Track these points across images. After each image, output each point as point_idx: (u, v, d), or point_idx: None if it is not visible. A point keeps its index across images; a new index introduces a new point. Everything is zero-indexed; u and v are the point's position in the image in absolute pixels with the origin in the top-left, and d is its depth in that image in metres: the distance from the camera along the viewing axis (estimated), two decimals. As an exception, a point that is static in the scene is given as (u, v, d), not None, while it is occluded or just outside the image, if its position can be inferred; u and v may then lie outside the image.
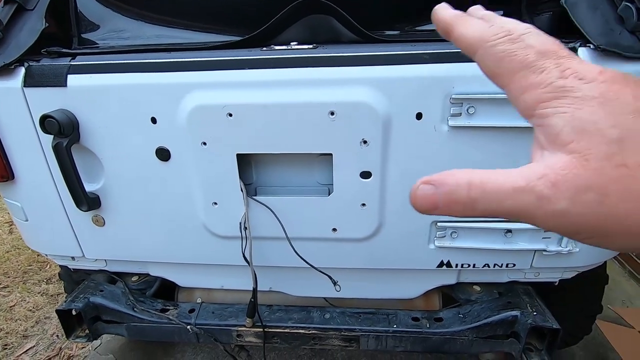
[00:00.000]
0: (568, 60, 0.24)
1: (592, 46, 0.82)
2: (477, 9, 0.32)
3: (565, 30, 0.91)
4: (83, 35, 1.27)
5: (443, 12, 0.31)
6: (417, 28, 1.22)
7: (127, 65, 0.94)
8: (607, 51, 0.80)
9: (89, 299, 1.16)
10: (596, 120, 0.21)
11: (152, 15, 1.25)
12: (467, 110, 0.87)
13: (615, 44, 0.81)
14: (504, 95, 0.76)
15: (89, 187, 1.05)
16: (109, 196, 1.07)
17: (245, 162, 1.03)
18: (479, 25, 0.28)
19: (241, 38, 1.06)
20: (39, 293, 2.36)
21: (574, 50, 0.84)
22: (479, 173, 0.24)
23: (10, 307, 2.26)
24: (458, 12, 0.31)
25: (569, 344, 1.61)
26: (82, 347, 1.93)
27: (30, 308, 2.23)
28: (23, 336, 2.04)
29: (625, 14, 0.83)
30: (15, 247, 2.76)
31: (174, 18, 1.25)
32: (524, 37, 0.26)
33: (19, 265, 2.60)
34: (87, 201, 1.03)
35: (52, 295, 2.34)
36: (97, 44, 1.25)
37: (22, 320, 2.14)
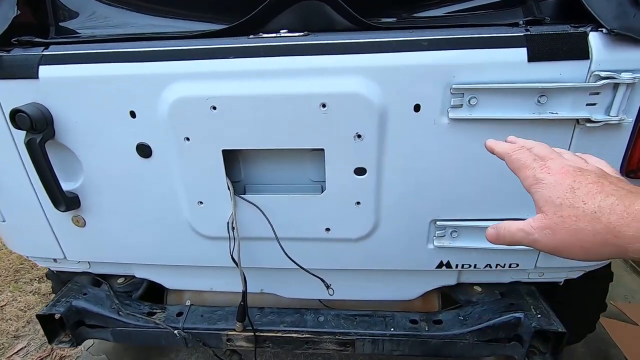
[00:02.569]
0: (549, 161, 0.48)
1: (604, 30, 0.76)
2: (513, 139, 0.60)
3: (574, 15, 0.84)
4: (61, 24, 1.19)
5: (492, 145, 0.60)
6: (415, 15, 1.15)
7: (103, 55, 0.87)
8: (621, 35, 0.74)
9: (72, 303, 1.11)
10: (551, 195, 0.44)
11: (135, 2, 1.18)
12: (469, 101, 0.81)
13: (630, 27, 0.74)
14: (508, 85, 0.79)
15: (66, 186, 0.99)
16: (89, 195, 1.01)
17: (232, 158, 0.97)
18: (507, 144, 0.58)
19: (228, 25, 0.99)
20: (30, 292, 2.32)
21: (585, 34, 0.77)
22: (511, 222, 0.49)
23: (1, 306, 2.21)
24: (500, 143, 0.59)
25: (570, 342, 1.57)
26: (74, 348, 1.89)
27: (22, 307, 2.19)
28: (14, 336, 2.00)
29: (641, -5, 0.76)
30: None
31: (159, 5, 1.18)
32: (531, 149, 0.52)
33: (10, 263, 2.55)
34: (65, 201, 0.97)
35: (44, 294, 2.30)
36: (76, 32, 1.18)
37: (14, 320, 2.09)
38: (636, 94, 0.78)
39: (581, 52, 0.76)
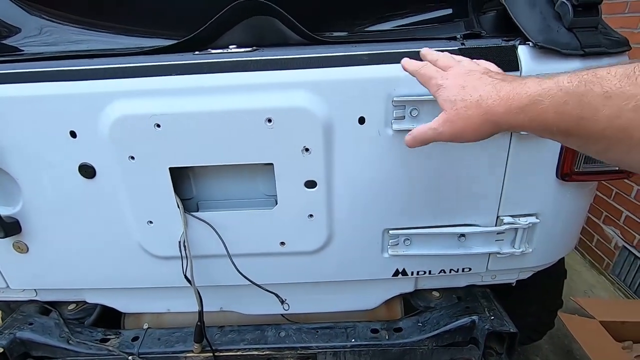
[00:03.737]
0: (449, 70, 0.62)
1: (530, 44, 0.80)
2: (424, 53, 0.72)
3: (508, 29, 0.89)
4: (1, 42, 1.15)
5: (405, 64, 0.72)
6: (367, 29, 1.18)
7: (39, 74, 0.84)
8: (545, 48, 0.78)
9: (15, 335, 1.04)
10: (448, 95, 0.58)
11: (80, 18, 1.15)
12: (411, 112, 0.83)
13: (553, 41, 0.79)
14: None
15: (5, 211, 0.94)
16: (31, 219, 0.96)
17: (182, 175, 0.95)
18: (416, 62, 0.70)
19: (176, 42, 0.98)
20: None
21: (514, 48, 0.82)
22: (422, 125, 0.64)
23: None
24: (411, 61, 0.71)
25: (534, 339, 1.62)
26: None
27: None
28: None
29: (562, 11, 0.81)
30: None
31: (105, 22, 1.16)
32: (436, 61, 0.66)
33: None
34: (3, 227, 0.92)
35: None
36: (17, 49, 1.14)
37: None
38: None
39: (511, 63, 0.81)
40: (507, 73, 0.61)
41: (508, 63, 0.81)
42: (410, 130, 0.83)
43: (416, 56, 0.82)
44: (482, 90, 0.53)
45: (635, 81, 0.38)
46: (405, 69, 0.70)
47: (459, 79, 0.57)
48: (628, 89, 0.38)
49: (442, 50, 0.82)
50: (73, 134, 0.85)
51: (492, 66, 0.65)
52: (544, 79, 0.48)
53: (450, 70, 0.61)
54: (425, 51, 0.70)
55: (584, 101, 0.42)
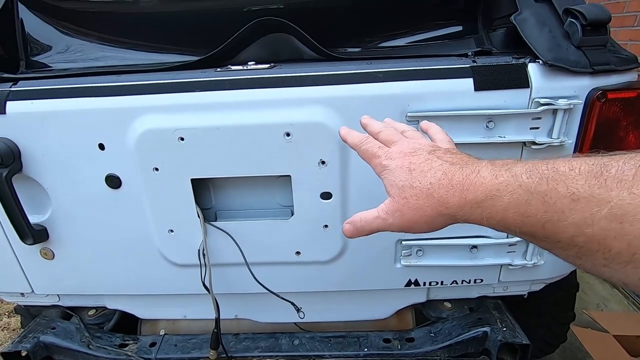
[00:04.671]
0: (392, 146, 0.53)
1: (540, 62, 0.83)
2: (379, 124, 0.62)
3: (517, 45, 0.92)
4: (32, 58, 1.21)
5: (344, 136, 0.62)
6: (378, 45, 1.22)
7: (71, 90, 0.89)
8: (555, 66, 0.81)
9: (39, 339, 1.08)
10: (394, 179, 0.49)
11: (106, 36, 1.21)
12: (424, 127, 0.86)
13: (563, 59, 0.82)
14: (458, 112, 0.85)
15: (34, 219, 0.99)
16: (58, 227, 1.00)
17: (202, 186, 0.99)
18: (357, 136, 0.60)
19: (198, 58, 1.03)
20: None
21: (525, 65, 0.85)
22: (364, 212, 0.52)
23: (-32, 344, 2.11)
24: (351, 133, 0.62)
25: (546, 352, 1.61)
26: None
27: (-10, 345, 2.09)
28: (-21, 376, 1.90)
29: (571, 30, 0.84)
30: (-26, 279, 2.59)
31: (130, 39, 1.22)
32: (378, 134, 0.57)
33: (-23, 298, 2.43)
34: (32, 234, 0.96)
35: (14, 330, 2.20)
36: (47, 66, 1.20)
37: (-21, 359, 1.99)
38: (574, 117, 0.85)
39: (522, 81, 0.83)
40: (455, 145, 0.56)
41: (519, 80, 0.83)
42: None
43: (427, 74, 0.86)
44: (431, 176, 0.45)
45: (605, 183, 0.32)
46: (344, 141, 0.61)
47: (404, 160, 0.49)
48: (598, 192, 0.32)
49: (453, 68, 0.86)
50: (101, 147, 0.90)
51: (439, 135, 0.58)
52: (498, 168, 0.41)
53: (394, 147, 0.52)
54: (365, 121, 0.62)
55: (548, 202, 0.35)
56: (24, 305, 1.27)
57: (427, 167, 0.47)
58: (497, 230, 0.42)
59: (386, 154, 0.51)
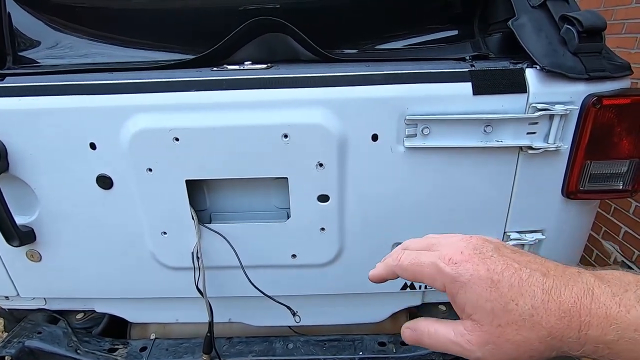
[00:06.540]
0: (437, 248, 0.39)
1: (537, 67, 0.84)
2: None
3: (514, 50, 0.93)
4: (21, 54, 1.17)
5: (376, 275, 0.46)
6: (375, 47, 1.22)
7: (61, 88, 0.86)
8: (551, 72, 0.82)
9: (24, 343, 1.04)
10: (476, 297, 0.34)
11: (98, 32, 1.18)
12: (422, 130, 0.86)
13: (559, 64, 0.82)
14: (456, 116, 0.76)
15: (21, 220, 0.95)
16: (45, 229, 0.97)
17: (197, 187, 0.97)
18: (387, 261, 0.44)
19: (193, 57, 1.01)
20: (-20, 331, 2.14)
21: (522, 70, 0.85)
22: (434, 325, 0.39)
23: (-55, 349, 2.02)
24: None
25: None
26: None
27: (-31, 349, 2.01)
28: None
29: (567, 36, 0.85)
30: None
31: (123, 35, 1.19)
32: (407, 247, 0.43)
33: (-43, 300, 2.35)
34: (19, 235, 0.93)
35: (-4, 333, 2.13)
36: (35, 62, 1.16)
37: (-41, 364, 1.92)
38: (570, 123, 0.86)
39: (519, 86, 0.84)
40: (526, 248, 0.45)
41: (516, 85, 0.84)
42: (422, 148, 0.87)
43: (426, 77, 0.86)
44: (529, 295, 0.32)
45: None
46: (379, 280, 0.45)
47: (479, 266, 0.34)
48: None
49: (452, 72, 0.86)
50: (93, 146, 0.87)
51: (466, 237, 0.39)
52: (622, 293, 0.31)
53: (443, 249, 0.37)
54: (378, 267, 0.45)
55: None
56: (7, 309, 1.22)
57: (515, 279, 0.33)
58: None
59: (442, 258, 0.36)
